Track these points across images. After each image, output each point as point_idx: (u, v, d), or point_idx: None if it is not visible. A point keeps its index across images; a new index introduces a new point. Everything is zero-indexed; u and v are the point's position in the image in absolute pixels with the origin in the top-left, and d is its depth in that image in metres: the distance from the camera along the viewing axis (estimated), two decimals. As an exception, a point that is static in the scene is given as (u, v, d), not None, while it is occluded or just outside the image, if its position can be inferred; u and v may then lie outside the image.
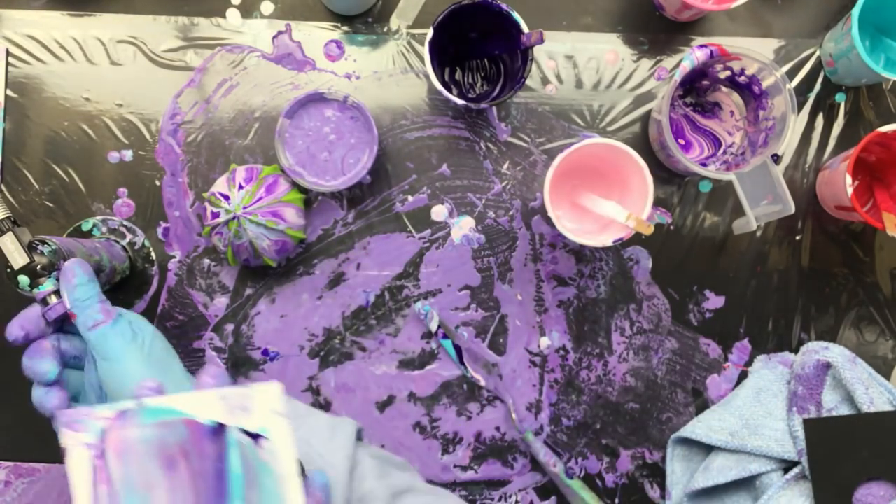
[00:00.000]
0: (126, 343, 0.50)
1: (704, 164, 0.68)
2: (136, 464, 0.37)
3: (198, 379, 0.41)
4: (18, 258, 0.53)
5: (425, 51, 0.61)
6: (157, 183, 0.68)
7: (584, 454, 0.68)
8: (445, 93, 0.61)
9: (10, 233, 0.53)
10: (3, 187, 0.67)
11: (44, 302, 0.53)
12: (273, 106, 0.68)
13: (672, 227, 0.69)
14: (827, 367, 0.62)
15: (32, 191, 0.67)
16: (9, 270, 0.53)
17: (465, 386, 0.68)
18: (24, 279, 0.53)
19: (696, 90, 0.68)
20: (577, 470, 0.68)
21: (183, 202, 0.68)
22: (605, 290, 0.68)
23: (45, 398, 0.52)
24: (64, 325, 0.54)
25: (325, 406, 0.67)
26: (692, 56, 0.61)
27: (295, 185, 0.65)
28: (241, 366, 0.67)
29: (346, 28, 0.68)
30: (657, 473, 0.68)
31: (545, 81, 0.69)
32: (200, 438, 0.37)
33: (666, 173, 0.68)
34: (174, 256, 0.67)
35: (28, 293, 0.53)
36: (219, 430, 0.38)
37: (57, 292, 0.53)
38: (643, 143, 0.69)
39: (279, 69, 0.68)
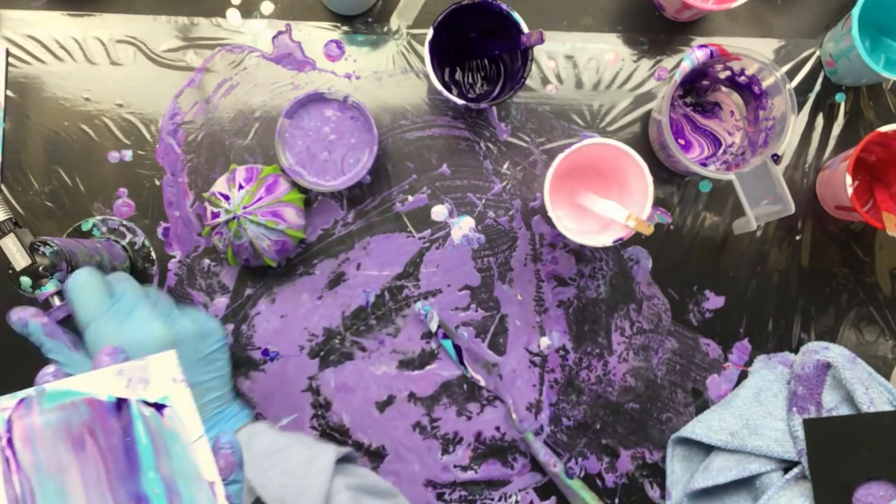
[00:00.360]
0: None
1: (704, 164, 0.68)
2: (45, 449, 0.38)
3: (95, 359, 0.41)
4: (20, 259, 0.53)
5: (425, 51, 0.61)
6: (157, 183, 0.68)
7: (584, 454, 0.68)
8: (445, 93, 0.61)
9: (12, 234, 0.53)
10: (4, 187, 0.67)
11: (46, 303, 0.53)
12: (273, 106, 0.68)
13: (672, 227, 0.69)
14: (827, 367, 0.62)
15: (32, 191, 0.67)
16: (10, 272, 0.53)
17: (465, 386, 0.68)
18: (26, 280, 0.53)
19: (696, 90, 0.68)
20: (577, 470, 0.68)
21: (183, 202, 0.68)
22: (605, 290, 0.68)
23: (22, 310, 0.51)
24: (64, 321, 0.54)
25: (325, 406, 0.68)
26: (692, 56, 0.61)
27: (295, 185, 0.65)
28: (241, 366, 0.67)
29: (346, 28, 0.68)
30: (657, 473, 0.68)
31: (545, 81, 0.69)
32: (104, 415, 0.38)
33: (666, 173, 0.68)
34: (174, 256, 0.67)
35: (30, 294, 0.53)
36: (121, 404, 0.39)
37: (59, 293, 0.53)
38: (643, 143, 0.69)
39: (279, 69, 0.68)
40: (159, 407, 0.39)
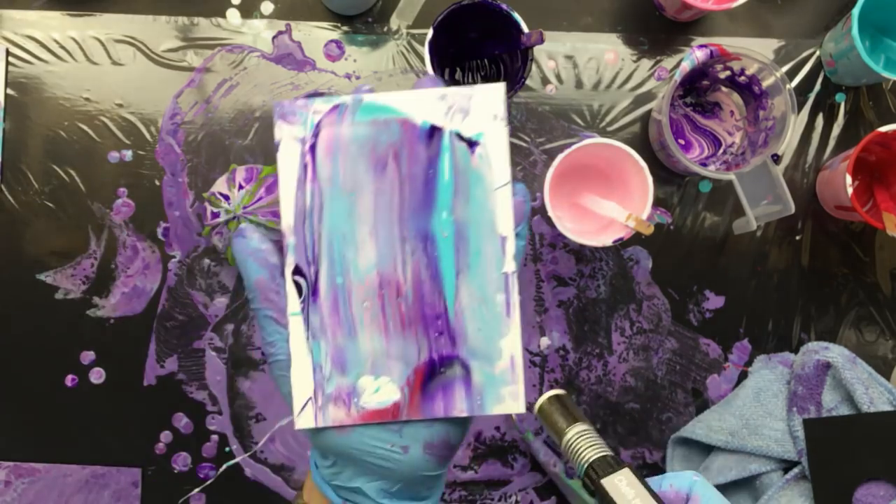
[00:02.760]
0: None
1: (704, 164, 0.68)
2: (346, 163, 0.36)
3: (417, 82, 0.38)
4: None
5: (425, 51, 0.61)
6: (157, 183, 0.68)
7: (584, 454, 0.68)
8: (445, 93, 0.61)
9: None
10: (3, 187, 0.67)
11: None
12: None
13: (672, 227, 0.69)
14: (827, 367, 0.62)
15: (32, 191, 0.67)
16: None
17: (465, 386, 0.68)
18: None
19: (696, 90, 0.68)
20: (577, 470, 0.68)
21: (183, 202, 0.68)
22: (605, 290, 0.68)
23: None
24: None
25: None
26: (692, 56, 0.61)
27: (295, 185, 0.65)
28: (240, 366, 0.67)
29: (346, 28, 0.68)
30: (657, 473, 0.68)
31: (545, 81, 0.69)
32: (414, 140, 0.36)
33: (666, 173, 0.68)
34: (174, 256, 0.67)
35: None
36: (433, 132, 0.36)
37: None
38: (643, 143, 0.69)
39: (279, 69, 0.68)
40: (471, 143, 0.36)
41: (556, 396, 0.52)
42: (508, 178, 0.36)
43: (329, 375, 0.36)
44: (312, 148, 0.36)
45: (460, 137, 0.36)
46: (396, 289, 0.36)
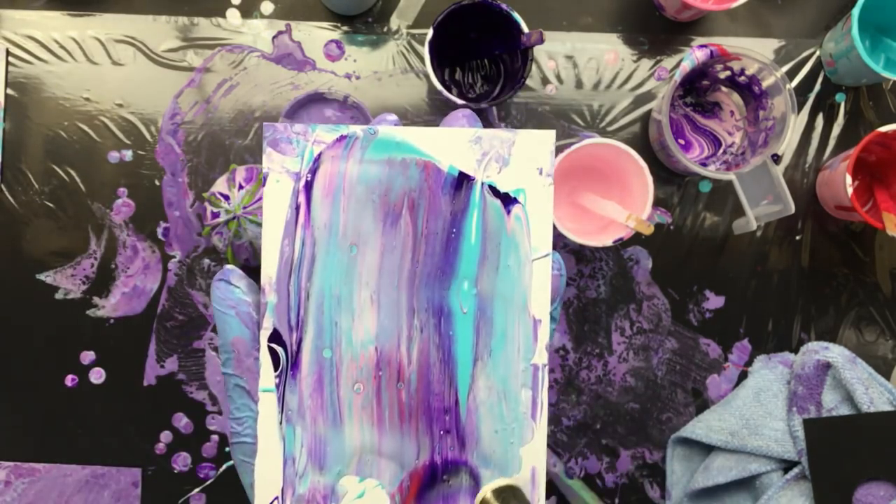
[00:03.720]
0: None
1: (704, 164, 0.68)
2: (349, 208, 0.29)
3: (448, 116, 0.31)
4: None
5: (425, 51, 0.61)
6: (157, 183, 0.68)
7: (584, 454, 0.68)
8: (445, 93, 0.61)
9: None
10: (3, 187, 0.67)
11: None
12: (273, 106, 0.68)
13: (672, 227, 0.69)
14: (827, 367, 0.62)
15: (32, 191, 0.67)
16: None
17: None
18: None
19: (696, 90, 0.68)
20: (577, 470, 0.68)
21: (183, 202, 0.68)
22: (605, 290, 0.68)
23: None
24: None
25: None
26: (692, 56, 0.61)
27: (295, 185, 0.65)
28: (241, 366, 0.67)
29: (346, 28, 0.68)
30: (657, 473, 0.68)
31: (545, 81, 0.69)
32: (437, 189, 0.29)
33: (666, 173, 0.68)
34: (174, 256, 0.67)
35: None
36: (462, 182, 0.29)
37: None
38: (643, 143, 0.69)
39: (279, 69, 0.68)
40: (508, 201, 0.29)
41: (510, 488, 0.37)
42: (548, 248, 0.30)
43: (303, 471, 0.29)
44: (308, 186, 0.30)
45: (494, 192, 0.30)
46: (398, 371, 0.29)
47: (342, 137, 0.30)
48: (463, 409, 0.29)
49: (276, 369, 0.29)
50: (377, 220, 0.29)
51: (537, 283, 0.29)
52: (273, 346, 0.30)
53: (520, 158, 0.29)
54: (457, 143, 0.29)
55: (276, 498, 0.29)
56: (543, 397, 0.30)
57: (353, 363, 0.29)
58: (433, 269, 0.29)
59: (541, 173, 0.29)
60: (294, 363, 0.29)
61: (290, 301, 0.30)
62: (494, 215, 0.29)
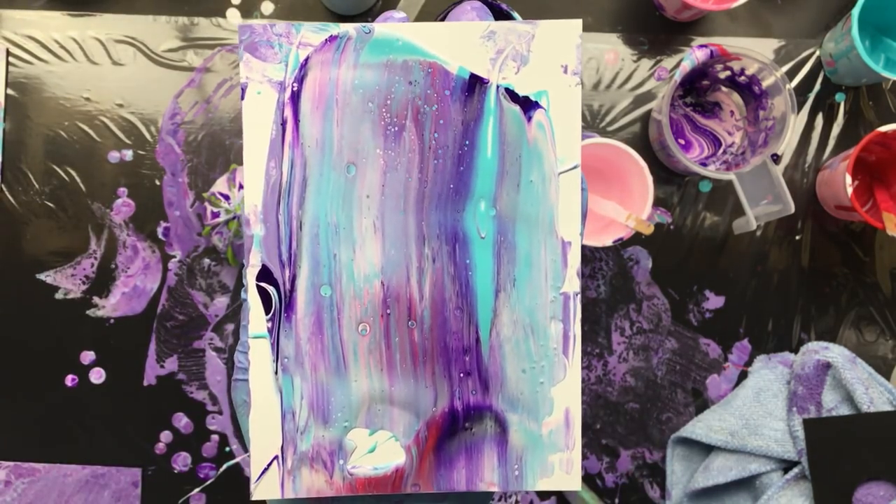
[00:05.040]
0: None
1: (704, 164, 0.68)
2: (344, 121, 0.25)
3: (456, 8, 0.27)
4: None
5: (425, 51, 0.61)
6: (157, 183, 0.68)
7: (585, 454, 0.68)
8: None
9: None
10: (4, 187, 0.67)
11: None
12: (273, 106, 0.68)
13: (672, 227, 0.69)
14: (827, 367, 0.62)
15: (32, 191, 0.67)
16: None
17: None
18: None
19: (696, 90, 0.68)
20: (577, 470, 0.68)
21: (183, 202, 0.68)
22: (605, 290, 0.68)
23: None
24: None
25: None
26: (692, 56, 0.61)
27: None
28: (241, 366, 0.67)
29: (346, 28, 0.68)
30: (657, 473, 0.68)
31: (545, 81, 0.69)
32: (444, 95, 0.25)
33: (666, 173, 0.68)
34: (174, 256, 0.67)
35: None
36: (474, 86, 0.25)
37: None
38: (643, 143, 0.69)
39: (279, 69, 0.68)
40: (528, 106, 0.25)
41: None
42: (578, 158, 0.26)
43: (305, 426, 0.27)
44: (295, 97, 0.25)
45: (512, 96, 0.26)
46: (409, 308, 0.26)
47: (332, 38, 0.26)
48: (485, 347, 0.26)
49: (267, 312, 0.26)
50: (377, 133, 0.25)
51: (565, 200, 0.25)
52: (263, 285, 0.26)
53: (541, 55, 0.25)
54: (467, 40, 0.25)
55: (276, 457, 0.27)
56: (576, 330, 0.26)
57: (356, 301, 0.26)
58: (444, 188, 0.25)
59: (566, 71, 0.25)
60: (288, 304, 0.26)
61: (281, 233, 0.26)
62: (513, 123, 0.26)
